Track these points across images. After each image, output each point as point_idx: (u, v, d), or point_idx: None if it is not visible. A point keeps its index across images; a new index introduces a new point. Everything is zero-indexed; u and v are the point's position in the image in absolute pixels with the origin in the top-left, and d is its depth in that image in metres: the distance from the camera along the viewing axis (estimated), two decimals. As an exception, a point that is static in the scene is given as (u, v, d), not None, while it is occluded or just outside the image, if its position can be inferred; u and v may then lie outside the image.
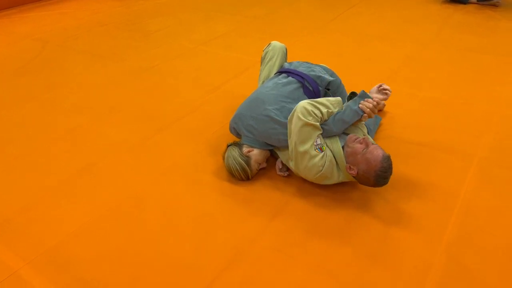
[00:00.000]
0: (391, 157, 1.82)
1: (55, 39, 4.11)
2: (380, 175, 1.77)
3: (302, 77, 2.24)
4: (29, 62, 3.61)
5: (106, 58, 3.65)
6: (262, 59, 2.55)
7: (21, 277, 1.64)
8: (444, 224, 1.81)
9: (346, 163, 1.87)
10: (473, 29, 4.06)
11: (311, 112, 1.88)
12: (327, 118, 1.95)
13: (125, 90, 3.07)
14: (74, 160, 2.32)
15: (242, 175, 2.06)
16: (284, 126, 2.00)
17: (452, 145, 2.32)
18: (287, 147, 2.02)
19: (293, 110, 1.93)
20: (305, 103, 1.91)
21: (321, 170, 1.86)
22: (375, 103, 1.90)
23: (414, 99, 2.80)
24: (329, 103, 1.97)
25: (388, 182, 1.85)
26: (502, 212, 1.87)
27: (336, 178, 1.92)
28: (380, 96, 2.09)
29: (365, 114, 1.90)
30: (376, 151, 1.79)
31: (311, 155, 1.86)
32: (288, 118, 1.96)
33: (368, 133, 2.15)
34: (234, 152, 2.07)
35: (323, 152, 1.87)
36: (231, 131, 2.28)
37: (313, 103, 1.93)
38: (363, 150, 1.81)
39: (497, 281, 1.56)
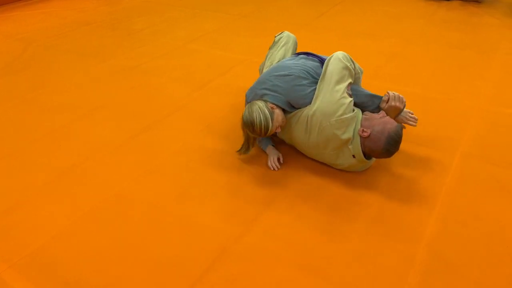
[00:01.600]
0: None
1: (38, 39, 4.07)
2: (392, 137, 1.87)
3: (321, 59, 2.27)
4: (12, 62, 3.57)
5: (90, 57, 3.62)
6: (275, 43, 2.58)
7: (4, 281, 1.63)
8: (426, 219, 1.84)
9: (360, 126, 1.94)
10: (456, 25, 4.10)
11: (349, 59, 2.09)
12: (354, 75, 2.09)
13: (110, 89, 3.05)
14: (58, 160, 2.30)
15: (263, 128, 1.98)
16: (311, 82, 2.08)
17: (434, 140, 2.35)
18: (308, 103, 2.04)
19: (330, 56, 2.07)
20: (343, 52, 2.08)
21: (346, 113, 1.93)
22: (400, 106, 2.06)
23: (398, 95, 2.83)
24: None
25: (391, 156, 1.95)
26: (483, 206, 1.90)
27: (345, 137, 1.93)
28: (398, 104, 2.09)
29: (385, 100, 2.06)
30: (392, 119, 1.96)
31: (344, 95, 1.96)
32: (326, 61, 2.08)
33: None
34: (261, 103, 2.04)
35: (351, 99, 1.98)
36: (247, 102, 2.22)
37: (349, 56, 2.10)
38: (381, 117, 1.97)
39: (478, 274, 1.59)
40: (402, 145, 2.30)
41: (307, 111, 2.03)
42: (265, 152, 2.27)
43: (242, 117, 2.08)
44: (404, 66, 3.26)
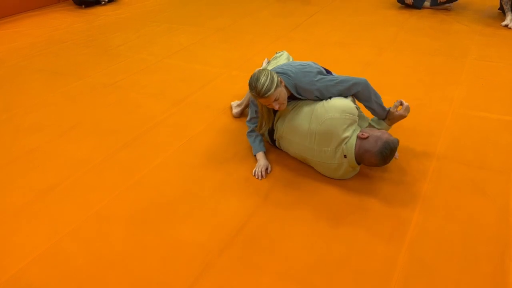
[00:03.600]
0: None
1: (10, 59, 4.00)
2: (389, 144, 1.95)
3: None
4: (-15, 83, 3.50)
5: (65, 75, 3.58)
6: (275, 57, 2.66)
7: (-20, 308, 1.58)
8: (407, 223, 1.86)
9: (360, 131, 2.04)
10: (427, 32, 4.22)
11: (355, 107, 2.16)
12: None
13: (86, 107, 3.02)
14: (36, 181, 2.25)
15: (265, 87, 1.99)
16: (319, 72, 2.18)
17: (411, 145, 2.39)
18: (313, 93, 2.15)
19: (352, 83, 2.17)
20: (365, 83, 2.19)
21: (353, 113, 2.05)
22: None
23: (374, 102, 2.88)
24: None
25: (381, 165, 2.01)
26: (459, 206, 1.94)
27: (346, 134, 2.02)
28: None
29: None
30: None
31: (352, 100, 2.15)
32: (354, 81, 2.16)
33: None
34: (273, 72, 2.09)
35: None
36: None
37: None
38: (381, 130, 2.10)
39: (457, 275, 1.62)
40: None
41: (317, 102, 2.14)
42: (255, 158, 2.28)
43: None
44: (379, 73, 3.33)
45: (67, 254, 1.79)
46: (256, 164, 2.25)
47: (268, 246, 1.78)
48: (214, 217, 1.95)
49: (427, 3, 4.97)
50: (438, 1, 4.81)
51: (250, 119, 2.38)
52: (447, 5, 4.86)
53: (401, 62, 3.53)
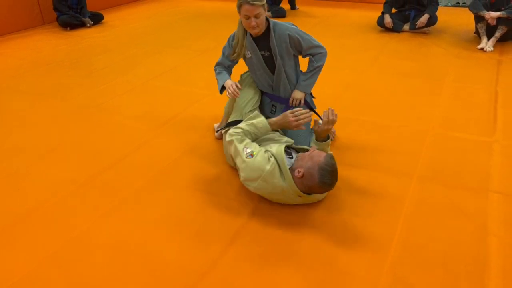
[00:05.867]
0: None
1: (-6, 80, 3.98)
2: (324, 168, 1.89)
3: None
4: (-34, 105, 3.46)
5: (49, 97, 3.56)
6: (241, 81, 2.68)
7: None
8: (388, 244, 1.88)
9: (295, 168, 1.97)
10: (406, 55, 4.35)
11: (232, 133, 2.15)
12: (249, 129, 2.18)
13: (69, 129, 3.01)
14: (14, 205, 2.22)
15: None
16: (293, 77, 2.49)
17: (391, 166, 2.44)
18: (288, 30, 2.35)
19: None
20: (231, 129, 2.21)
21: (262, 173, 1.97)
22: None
23: (353, 123, 2.94)
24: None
25: (332, 187, 1.96)
26: (439, 227, 1.98)
27: (279, 185, 1.96)
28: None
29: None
30: (320, 152, 2.01)
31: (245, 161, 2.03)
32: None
33: None
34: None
35: (253, 158, 2.00)
36: None
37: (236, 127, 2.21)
38: (309, 153, 2.00)
39: (438, 294, 1.64)
40: (361, 172, 2.39)
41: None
42: (224, 88, 2.46)
43: None
44: (359, 95, 3.40)
45: (47, 279, 1.76)
46: (226, 90, 2.42)
47: (251, 269, 1.78)
48: (197, 239, 1.95)
49: (406, 27, 5.13)
50: (416, 26, 4.97)
51: (218, 63, 2.59)
52: (425, 29, 5.03)
53: (381, 84, 3.61)
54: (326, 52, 2.47)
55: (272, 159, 1.98)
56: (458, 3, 6.73)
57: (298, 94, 2.49)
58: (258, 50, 2.43)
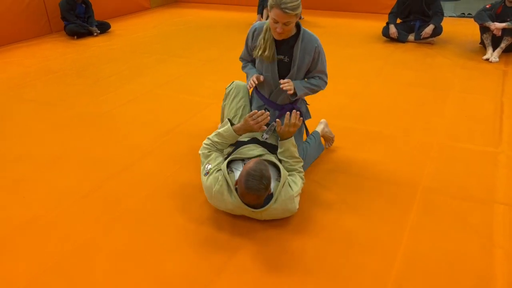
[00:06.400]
0: (337, 191, 1.88)
1: (1, 88, 4.01)
2: (249, 172, 1.84)
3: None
4: (-27, 113, 3.49)
5: (55, 105, 3.59)
6: (226, 95, 2.59)
7: None
8: (393, 255, 1.87)
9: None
10: (412, 65, 4.35)
11: (203, 146, 2.19)
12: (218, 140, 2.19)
13: (74, 137, 3.02)
14: (19, 213, 2.22)
15: (295, 3, 2.04)
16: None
17: (396, 176, 2.42)
18: (314, 47, 2.26)
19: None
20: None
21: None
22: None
23: (358, 133, 2.93)
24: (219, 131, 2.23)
25: (261, 193, 1.86)
26: (445, 238, 1.96)
27: (230, 202, 1.98)
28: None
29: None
30: (255, 159, 1.96)
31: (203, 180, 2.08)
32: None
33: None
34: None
35: (207, 176, 2.04)
36: None
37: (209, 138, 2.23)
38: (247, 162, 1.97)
39: (443, 307, 1.62)
40: (366, 182, 2.37)
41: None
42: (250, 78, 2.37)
43: None
44: (365, 105, 3.40)
45: (49, 288, 1.75)
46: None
47: (251, 281, 1.76)
48: (201, 250, 1.94)
49: (411, 37, 5.14)
50: (422, 36, 4.97)
51: (240, 57, 2.54)
52: (430, 39, 5.03)
53: (387, 94, 3.61)
54: (326, 83, 2.42)
55: (221, 177, 2.00)
56: (463, 13, 6.74)
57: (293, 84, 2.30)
58: (276, 54, 2.27)
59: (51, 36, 6.05)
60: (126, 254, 1.92)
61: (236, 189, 1.97)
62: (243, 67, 2.54)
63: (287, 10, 2.00)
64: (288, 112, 2.12)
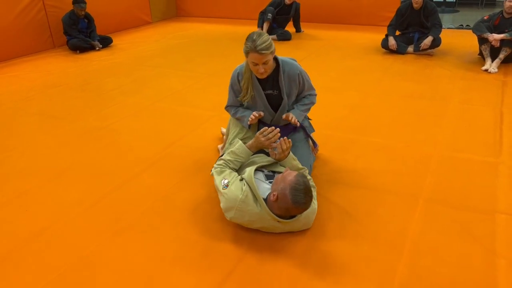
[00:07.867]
0: (337, 201, 1.89)
1: (5, 102, 4.06)
2: (295, 187, 1.85)
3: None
4: (-22, 127, 3.53)
5: (59, 119, 3.63)
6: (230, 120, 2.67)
7: None
8: (395, 266, 1.87)
9: (271, 192, 1.96)
10: (411, 76, 4.39)
11: (215, 166, 2.22)
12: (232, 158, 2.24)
13: (78, 151, 3.05)
14: (24, 225, 2.24)
15: (267, 43, 2.16)
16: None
17: (397, 187, 2.44)
18: (297, 72, 2.39)
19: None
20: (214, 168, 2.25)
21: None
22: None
23: (358, 145, 2.95)
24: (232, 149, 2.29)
25: (308, 206, 1.89)
26: (447, 249, 1.96)
27: (255, 212, 1.96)
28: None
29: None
30: (291, 171, 1.96)
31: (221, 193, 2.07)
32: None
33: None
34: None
35: (228, 188, 2.04)
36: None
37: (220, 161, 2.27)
38: (282, 175, 1.96)
39: (447, 318, 1.62)
40: (367, 193, 2.39)
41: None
42: (249, 127, 2.47)
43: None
44: (365, 116, 3.43)
45: (54, 301, 1.76)
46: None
47: (261, 286, 1.77)
48: (204, 261, 1.94)
49: (410, 49, 5.20)
50: (421, 48, 5.03)
51: (228, 106, 2.58)
52: (429, 50, 5.09)
53: (386, 106, 3.64)
54: (316, 94, 2.57)
55: (245, 186, 2.00)
56: (462, 25, 6.81)
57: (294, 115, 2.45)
58: (262, 90, 2.41)
59: (54, 50, 6.13)
60: (129, 266, 1.93)
61: (264, 200, 1.97)
62: (234, 114, 2.55)
63: (262, 51, 2.15)
64: (278, 142, 2.19)
